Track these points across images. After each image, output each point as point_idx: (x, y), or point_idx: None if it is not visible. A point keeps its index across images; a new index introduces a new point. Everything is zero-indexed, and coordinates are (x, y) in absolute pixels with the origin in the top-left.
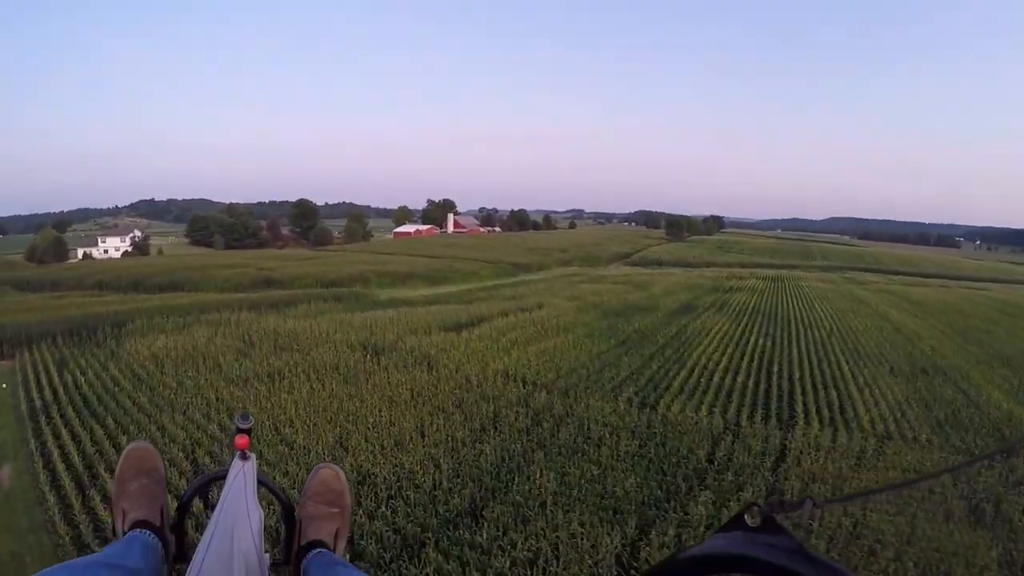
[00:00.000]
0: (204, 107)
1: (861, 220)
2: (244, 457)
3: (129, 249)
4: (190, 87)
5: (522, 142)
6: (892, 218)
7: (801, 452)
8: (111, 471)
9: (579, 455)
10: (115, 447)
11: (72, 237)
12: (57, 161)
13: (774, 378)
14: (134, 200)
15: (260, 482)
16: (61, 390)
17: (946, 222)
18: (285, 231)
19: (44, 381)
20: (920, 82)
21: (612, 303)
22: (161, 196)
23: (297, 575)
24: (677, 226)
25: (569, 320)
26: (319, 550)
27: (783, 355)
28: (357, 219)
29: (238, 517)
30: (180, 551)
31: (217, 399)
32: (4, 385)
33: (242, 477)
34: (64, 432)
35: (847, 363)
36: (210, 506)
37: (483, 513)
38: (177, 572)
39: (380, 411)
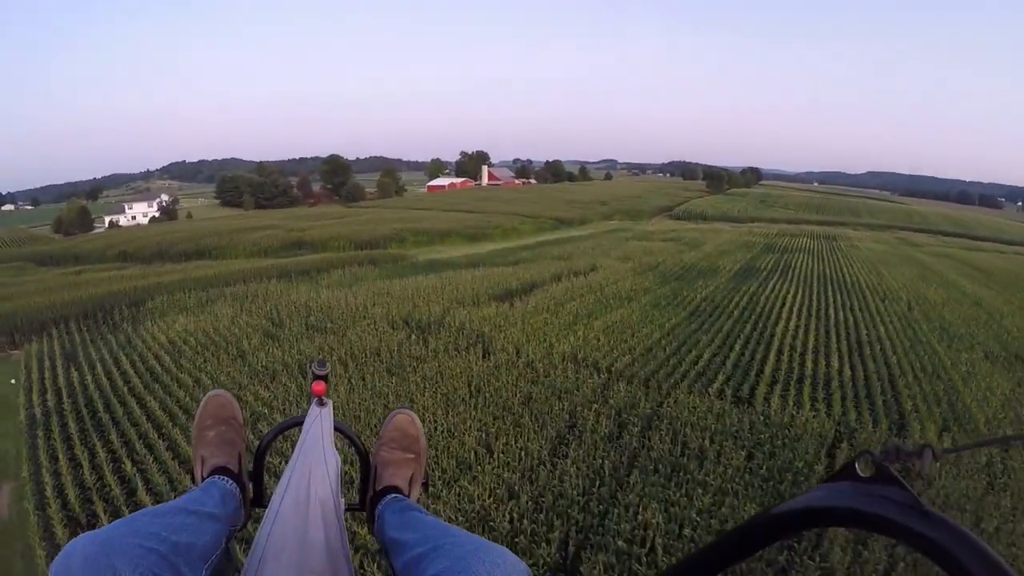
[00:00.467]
0: (233, 65)
1: (900, 176)
2: (321, 403)
3: (156, 214)
4: (219, 46)
5: (554, 91)
6: (931, 175)
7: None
8: (113, 510)
9: (680, 473)
10: (117, 474)
11: (99, 205)
12: (89, 128)
13: (869, 363)
14: (165, 163)
15: (336, 428)
16: (65, 392)
17: (986, 181)
18: (316, 188)
19: (49, 380)
20: (965, 35)
21: (669, 264)
22: (192, 157)
23: (372, 520)
24: (717, 178)
25: (628, 286)
26: (394, 495)
27: (871, 333)
28: (389, 174)
29: (315, 462)
30: (258, 496)
31: (239, 401)
32: (13, 381)
33: (319, 423)
34: (62, 453)
35: (939, 345)
36: (287, 452)
37: (580, 568)
38: (255, 517)
39: (435, 416)
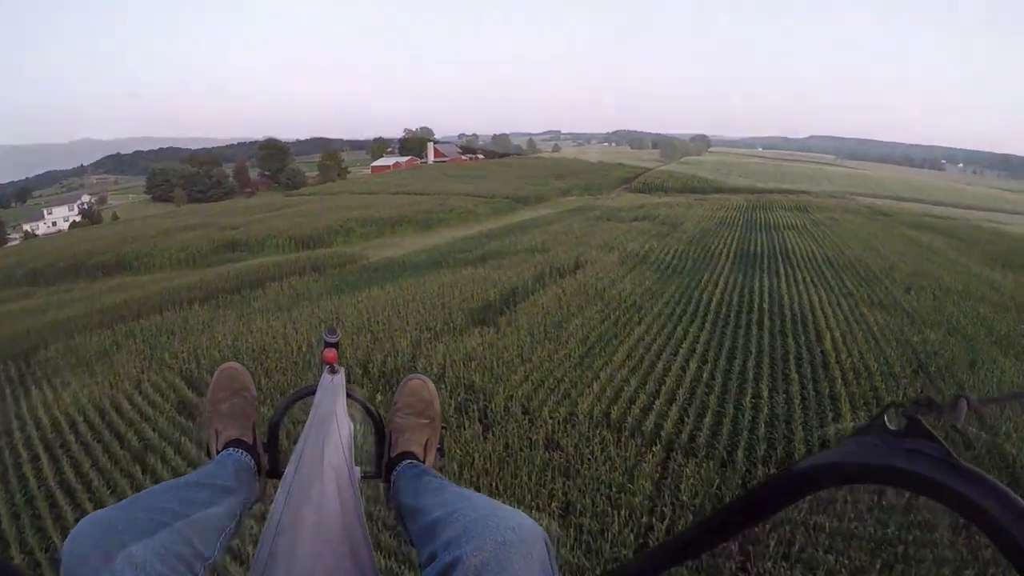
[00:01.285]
0: (164, 49)
1: (843, 139)
2: (333, 371)
3: (78, 219)
4: (150, 32)
5: (494, 62)
6: (873, 138)
7: None
8: None
9: None
10: None
11: (29, 208)
12: (14, 124)
13: (943, 389)
14: (99, 156)
15: (349, 395)
16: None
17: (925, 143)
18: (254, 175)
19: None
20: None
21: (658, 252)
22: (127, 149)
23: (388, 487)
24: (670, 147)
25: (629, 289)
26: (409, 461)
27: (924, 343)
28: (331, 156)
29: (328, 431)
30: (273, 467)
31: None
32: None
33: (331, 391)
34: None
35: (999, 353)
36: (303, 421)
37: None
38: (270, 487)
39: None
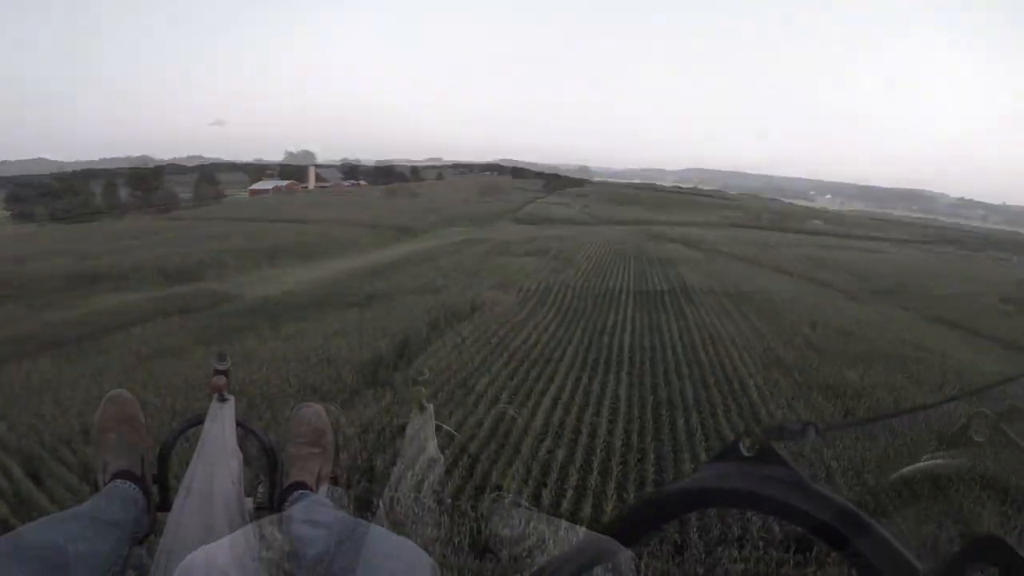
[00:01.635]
0: (35, 48)
1: (717, 172)
2: (222, 399)
3: None
4: (22, 26)
5: (378, 87)
6: (744, 170)
7: None
8: None
9: None
10: None
11: None
12: None
13: (880, 435)
14: None
15: (239, 424)
16: None
17: (792, 176)
18: (125, 195)
19: None
20: (771, 33)
21: (556, 290)
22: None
23: (280, 517)
24: (554, 179)
25: (534, 336)
26: (302, 491)
27: (845, 385)
28: (207, 178)
29: (217, 461)
30: (163, 499)
31: None
32: None
33: (221, 420)
34: None
35: (921, 395)
36: (192, 451)
37: None
38: (159, 520)
39: None
